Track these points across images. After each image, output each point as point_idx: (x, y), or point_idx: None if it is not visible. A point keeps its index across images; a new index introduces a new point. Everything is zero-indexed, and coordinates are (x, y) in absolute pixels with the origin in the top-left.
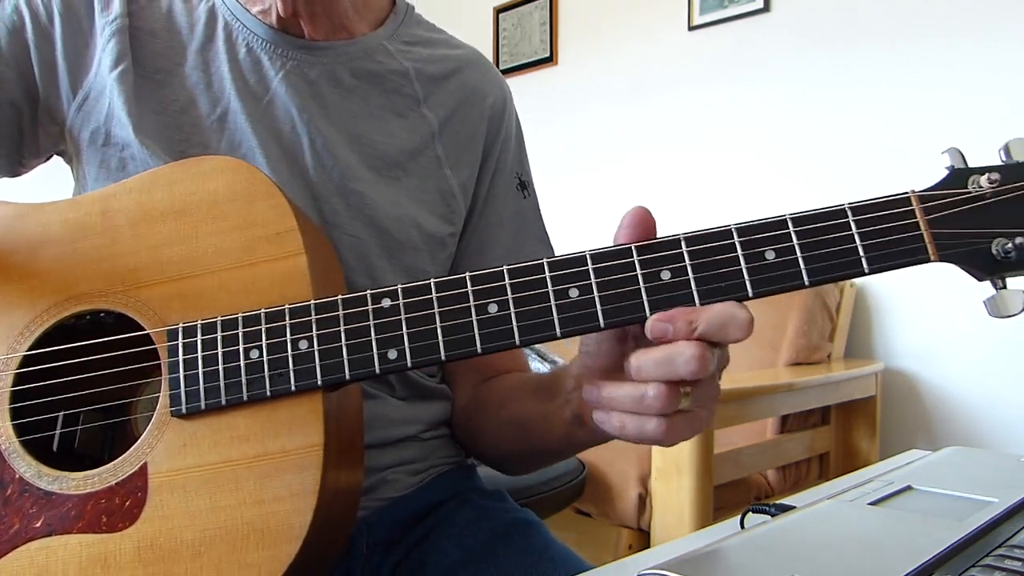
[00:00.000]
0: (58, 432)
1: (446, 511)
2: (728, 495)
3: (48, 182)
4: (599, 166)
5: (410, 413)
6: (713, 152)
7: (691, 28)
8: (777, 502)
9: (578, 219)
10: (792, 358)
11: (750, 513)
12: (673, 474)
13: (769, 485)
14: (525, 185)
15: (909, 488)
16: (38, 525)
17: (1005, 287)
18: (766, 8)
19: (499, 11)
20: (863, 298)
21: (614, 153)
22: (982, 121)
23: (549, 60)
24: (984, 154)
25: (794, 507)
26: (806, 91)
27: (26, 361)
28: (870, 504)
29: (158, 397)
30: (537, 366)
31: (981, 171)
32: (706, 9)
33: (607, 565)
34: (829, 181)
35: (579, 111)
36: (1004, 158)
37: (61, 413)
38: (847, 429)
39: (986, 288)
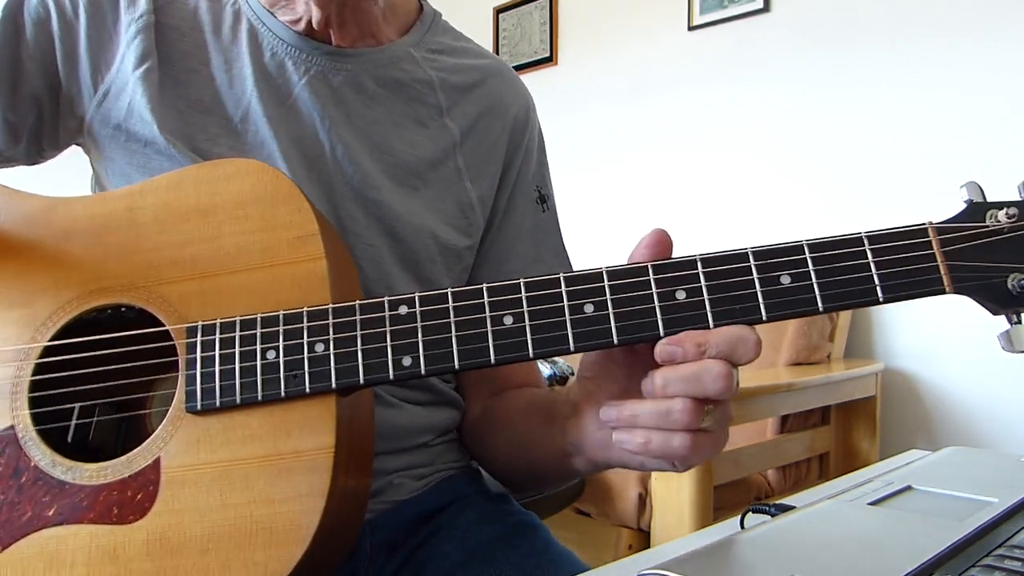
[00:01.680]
0: (73, 423)
1: (449, 514)
2: (728, 495)
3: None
4: (599, 166)
5: (425, 422)
6: (713, 152)
7: (691, 28)
8: (777, 502)
9: (579, 219)
10: (792, 358)
11: (750, 513)
12: (673, 474)
13: (769, 485)
14: (545, 199)
15: (909, 488)
16: (50, 514)
17: (1020, 322)
18: (766, 8)
19: (499, 11)
20: None
21: (614, 153)
22: (982, 121)
23: (549, 60)
24: (984, 155)
25: (794, 507)
26: (806, 91)
27: (47, 351)
28: (870, 504)
29: (173, 394)
30: (539, 366)
31: (999, 206)
32: (706, 9)
33: (607, 565)
34: (829, 181)
35: (579, 111)
36: (1022, 194)
37: (77, 404)
38: (847, 429)
39: (1000, 321)
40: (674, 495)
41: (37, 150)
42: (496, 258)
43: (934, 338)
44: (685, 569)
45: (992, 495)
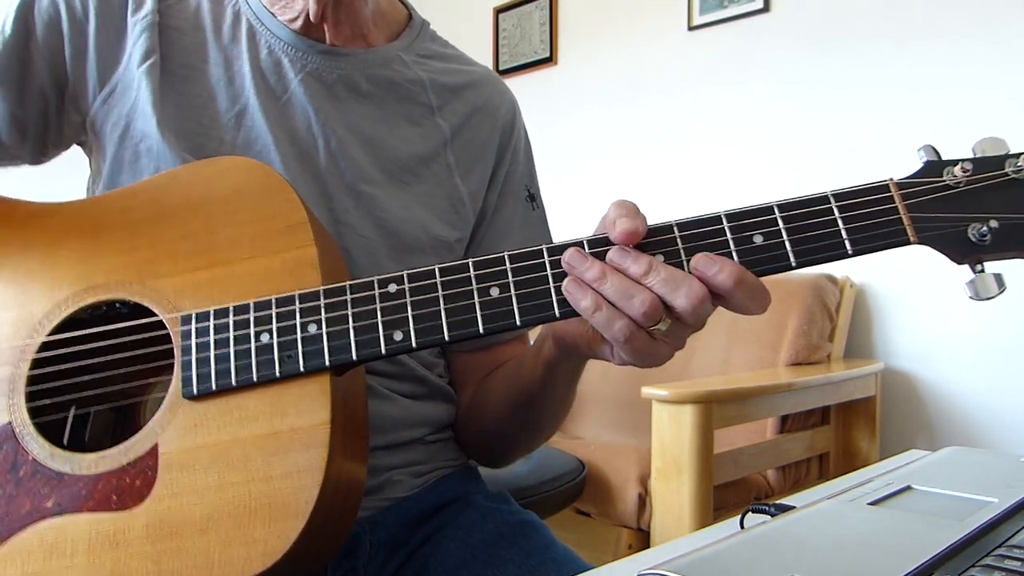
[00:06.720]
0: (71, 415)
1: (450, 513)
2: (728, 495)
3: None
4: (599, 166)
5: (418, 415)
6: (713, 152)
7: (691, 28)
8: (777, 502)
9: (578, 219)
10: (792, 358)
11: (750, 513)
12: (673, 474)
13: (769, 485)
14: (534, 197)
15: (909, 488)
16: (49, 505)
17: (983, 271)
18: (766, 8)
19: (499, 11)
20: (863, 298)
21: (614, 153)
22: (982, 120)
23: (549, 60)
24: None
25: (794, 507)
26: (806, 91)
27: (44, 348)
28: (870, 504)
29: (168, 390)
30: None
31: (955, 163)
32: (706, 9)
33: (607, 565)
34: (829, 181)
35: (579, 111)
36: (975, 154)
37: (74, 396)
38: (847, 429)
39: (966, 273)
40: (674, 495)
41: (41, 148)
42: (487, 254)
43: (934, 338)
44: (685, 569)
45: (992, 495)
